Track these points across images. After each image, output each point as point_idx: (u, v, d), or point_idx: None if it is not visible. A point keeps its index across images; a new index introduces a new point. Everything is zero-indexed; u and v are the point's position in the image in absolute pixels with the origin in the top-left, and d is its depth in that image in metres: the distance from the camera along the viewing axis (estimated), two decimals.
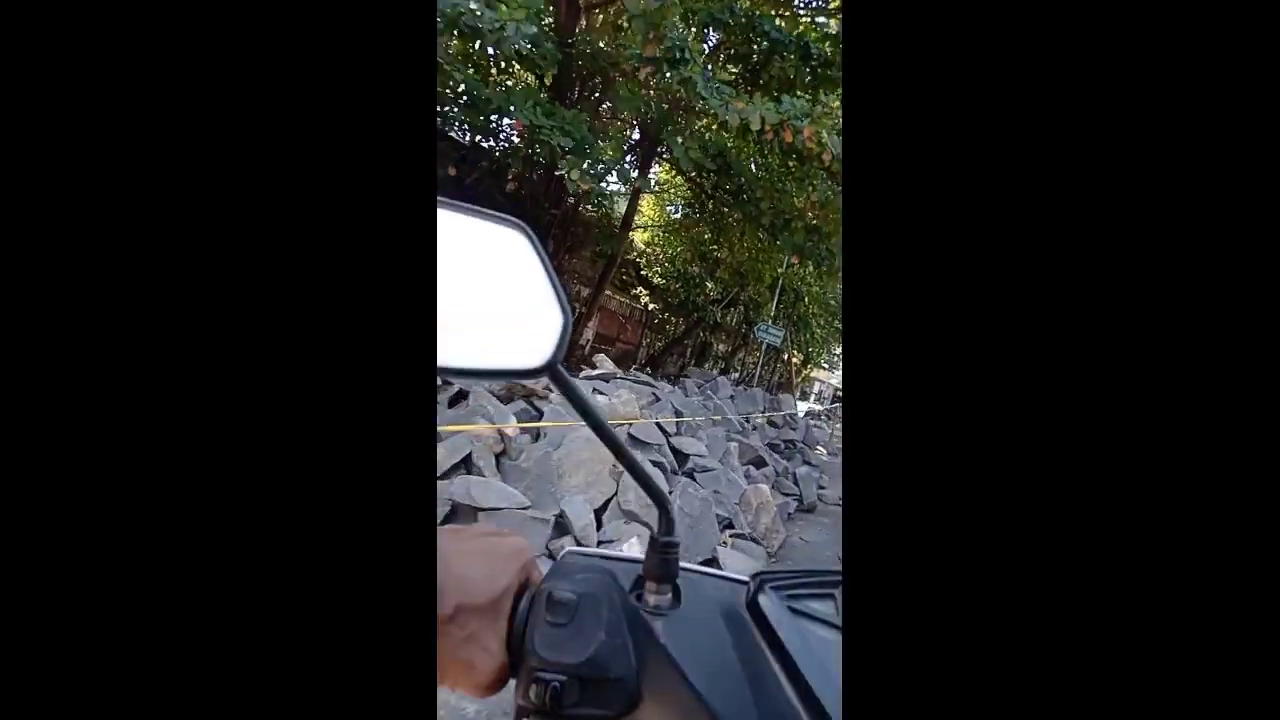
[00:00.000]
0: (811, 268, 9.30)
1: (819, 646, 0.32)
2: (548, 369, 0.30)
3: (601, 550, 0.40)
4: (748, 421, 6.95)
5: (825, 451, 10.88)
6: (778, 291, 15.18)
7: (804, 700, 0.28)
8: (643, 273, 14.04)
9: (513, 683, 0.34)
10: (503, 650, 0.33)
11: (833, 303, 17.15)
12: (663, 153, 9.35)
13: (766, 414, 7.86)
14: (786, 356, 20.16)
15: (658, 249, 13.91)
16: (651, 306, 14.87)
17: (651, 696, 0.32)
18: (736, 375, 15.51)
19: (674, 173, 10.54)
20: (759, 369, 19.99)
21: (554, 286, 0.31)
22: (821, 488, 6.34)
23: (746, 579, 0.37)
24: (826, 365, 27.70)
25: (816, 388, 35.72)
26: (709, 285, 13.80)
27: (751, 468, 4.82)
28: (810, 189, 6.55)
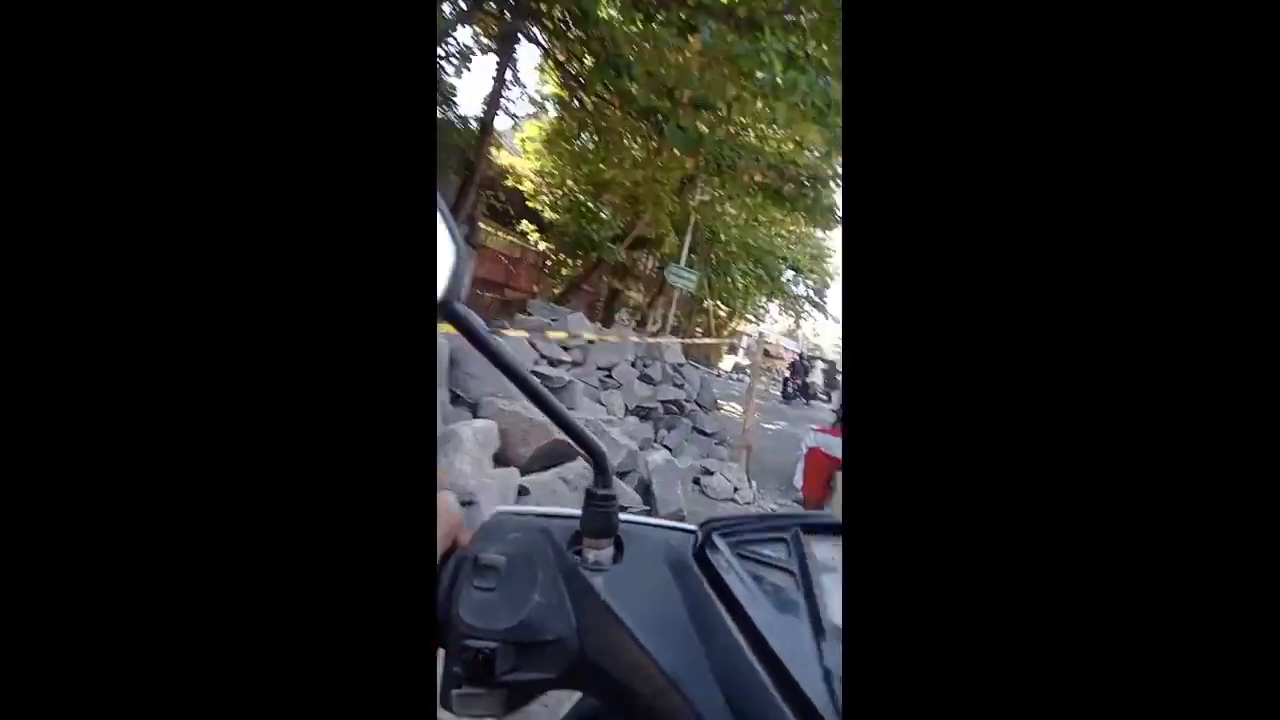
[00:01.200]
0: (720, 187, 7.21)
1: (770, 592, 0.31)
2: (441, 309, 0.28)
3: (535, 509, 0.38)
4: (610, 375, 4.94)
5: (738, 409, 9.27)
6: (690, 229, 13.25)
7: (755, 648, 0.28)
8: (530, 205, 11.64)
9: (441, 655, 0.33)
10: None
11: (750, 243, 15.37)
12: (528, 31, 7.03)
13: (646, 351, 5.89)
14: (708, 307, 18.42)
15: (548, 178, 11.52)
16: (544, 246, 12.60)
17: (596, 655, 0.31)
18: (656, 328, 13.61)
19: (552, 67, 8.23)
20: (669, 319, 18.22)
21: (446, 222, 0.28)
22: (707, 472, 4.43)
23: (694, 528, 0.36)
24: (753, 318, 26.09)
25: (745, 342, 34.55)
26: (604, 215, 11.64)
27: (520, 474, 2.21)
28: (694, 38, 4.50)
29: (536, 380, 0.32)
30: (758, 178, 6.30)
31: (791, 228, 18.75)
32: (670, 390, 5.62)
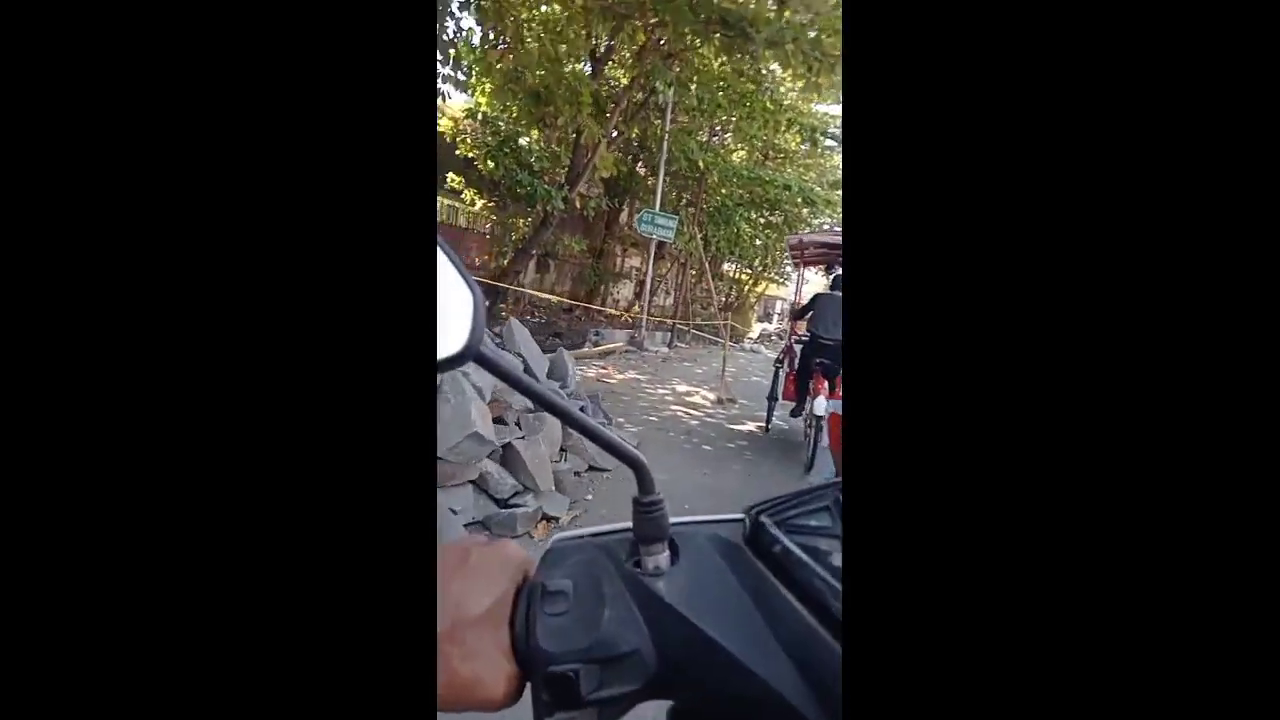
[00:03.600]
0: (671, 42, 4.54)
1: (819, 558, 0.32)
2: (470, 353, 0.29)
3: (590, 529, 0.38)
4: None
5: (706, 403, 6.59)
6: (662, 161, 10.50)
7: (815, 612, 0.29)
8: (460, 155, 9.19)
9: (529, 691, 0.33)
10: (509, 659, 0.31)
11: (745, 173, 12.39)
12: None
13: None
14: (708, 269, 15.55)
15: (476, 106, 9.02)
16: (480, 205, 10.13)
17: (672, 657, 0.32)
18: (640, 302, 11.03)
19: None
20: (680, 289, 15.47)
21: (455, 266, 0.30)
22: None
23: (741, 516, 0.36)
24: (780, 279, 22.64)
25: (779, 306, 30.62)
26: (527, 141, 9.05)
27: None
28: None
29: (570, 403, 0.33)
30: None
31: (807, 161, 15.62)
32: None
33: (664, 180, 10.19)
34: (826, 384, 4.00)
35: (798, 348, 4.69)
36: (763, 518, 0.34)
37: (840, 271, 4.74)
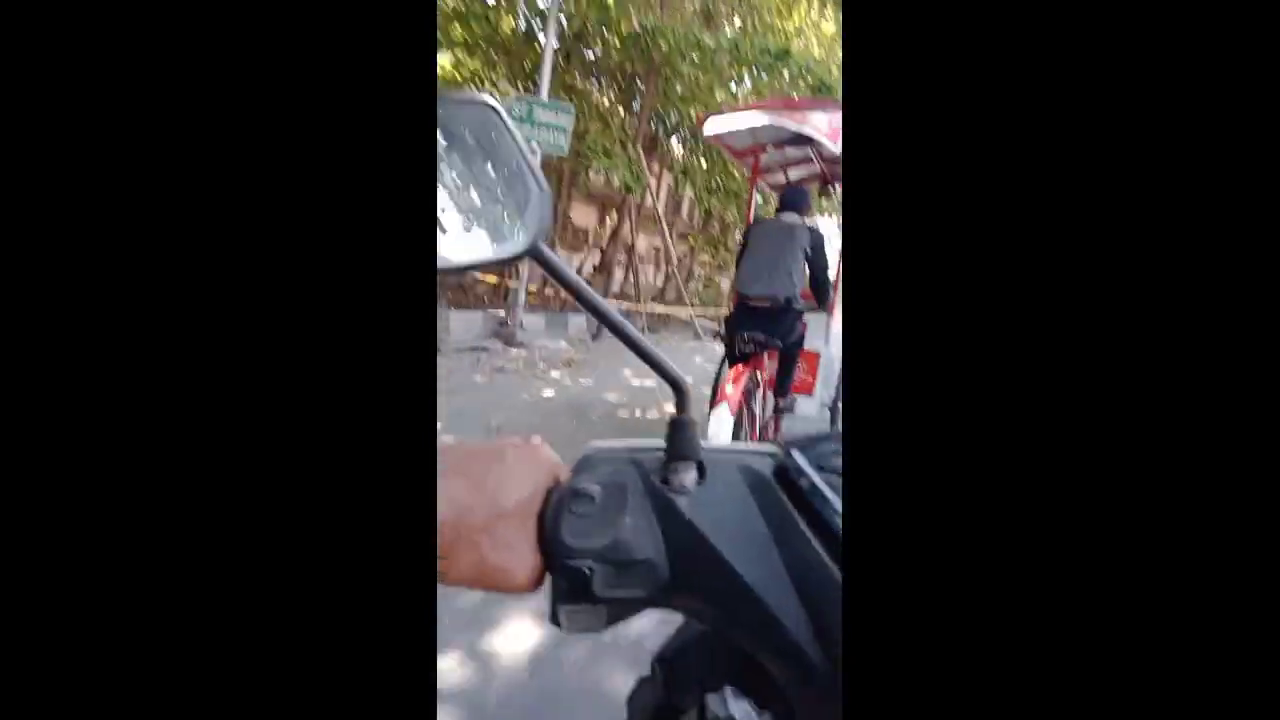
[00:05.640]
0: None
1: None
2: (529, 251, 0.31)
3: (626, 442, 0.39)
4: None
5: None
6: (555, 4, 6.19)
7: (831, 552, 0.30)
8: None
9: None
10: (534, 551, 0.34)
11: (710, 43, 7.53)
12: None
13: None
14: (662, 220, 10.92)
15: None
16: None
17: (682, 573, 0.33)
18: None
19: None
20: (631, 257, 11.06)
21: (528, 163, 0.31)
22: None
23: (775, 450, 0.37)
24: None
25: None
26: None
27: None
28: None
29: (618, 314, 0.34)
30: None
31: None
32: None
33: (554, 36, 5.85)
34: (747, 376, 2.48)
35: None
36: (795, 452, 0.35)
37: (795, 187, 3.11)
